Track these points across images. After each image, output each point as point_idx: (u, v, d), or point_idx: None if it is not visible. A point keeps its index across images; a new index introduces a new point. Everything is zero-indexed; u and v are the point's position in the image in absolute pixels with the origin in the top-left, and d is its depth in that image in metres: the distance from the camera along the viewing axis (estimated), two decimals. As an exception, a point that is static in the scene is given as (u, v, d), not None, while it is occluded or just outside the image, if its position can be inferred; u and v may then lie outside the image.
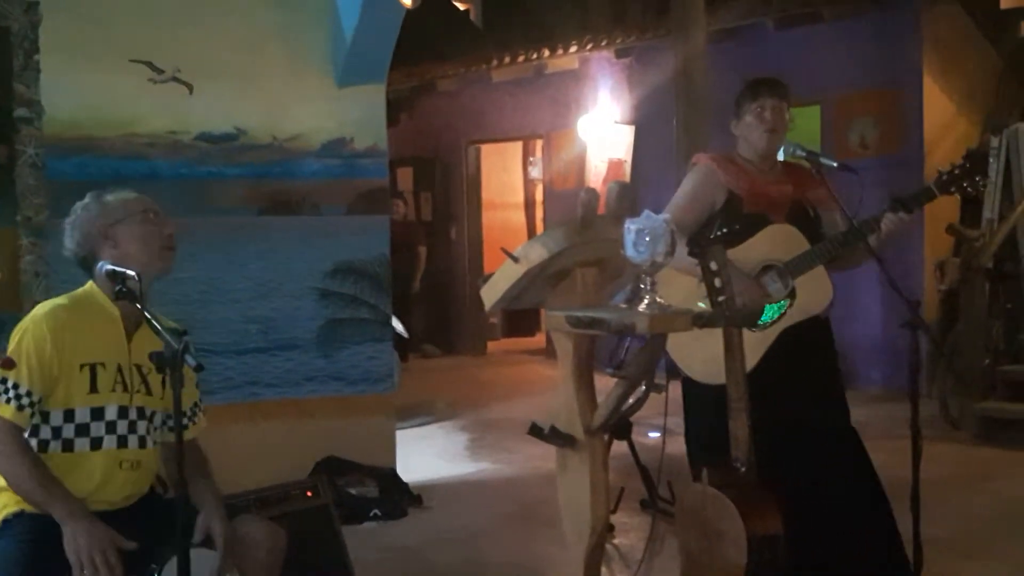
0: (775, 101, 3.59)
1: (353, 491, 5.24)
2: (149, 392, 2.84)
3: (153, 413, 2.87)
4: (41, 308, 2.78)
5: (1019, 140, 7.24)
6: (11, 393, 2.65)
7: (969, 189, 3.42)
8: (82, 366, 2.73)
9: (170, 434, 2.89)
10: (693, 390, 3.51)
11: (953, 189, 3.41)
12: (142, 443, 2.83)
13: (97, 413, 2.75)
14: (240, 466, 4.46)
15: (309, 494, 3.97)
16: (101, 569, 2.53)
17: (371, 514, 5.19)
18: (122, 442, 2.78)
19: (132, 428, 2.80)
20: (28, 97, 4.86)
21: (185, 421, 2.86)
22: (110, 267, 2.69)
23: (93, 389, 2.75)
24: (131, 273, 2.65)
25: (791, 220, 3.58)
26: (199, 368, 2.40)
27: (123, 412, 2.79)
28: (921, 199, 3.43)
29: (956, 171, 3.40)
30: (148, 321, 2.52)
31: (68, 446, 2.73)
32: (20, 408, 2.66)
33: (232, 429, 5.16)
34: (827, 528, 3.37)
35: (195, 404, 2.98)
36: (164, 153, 5.17)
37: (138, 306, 2.60)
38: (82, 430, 2.74)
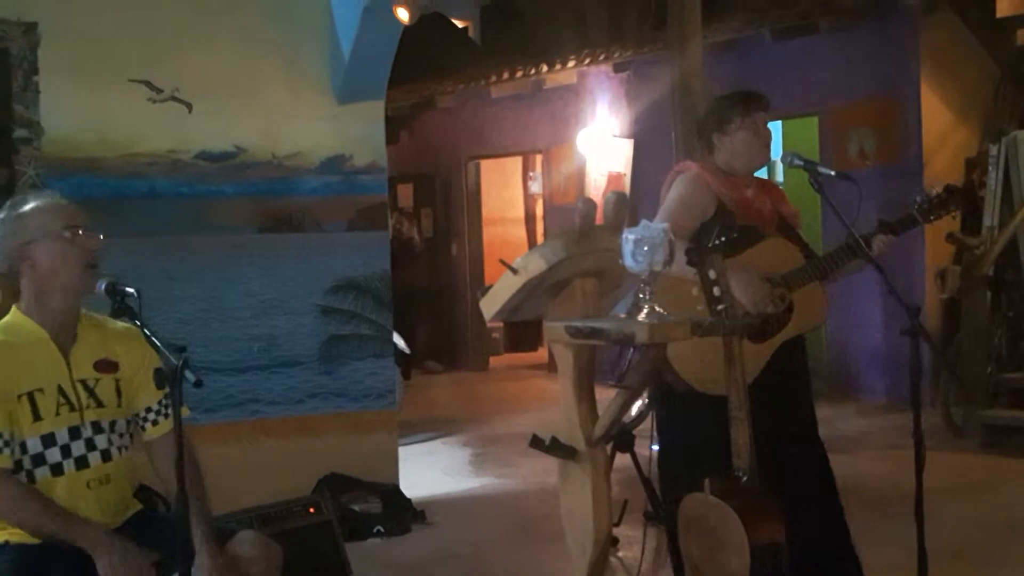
0: (765, 115, 3.61)
1: (356, 508, 5.23)
2: (100, 404, 2.76)
3: (113, 422, 2.78)
4: None
5: (1018, 148, 7.25)
6: None
7: (952, 218, 3.50)
8: (20, 396, 2.65)
9: (152, 430, 2.84)
10: (681, 401, 3.48)
11: (933, 217, 3.48)
12: (105, 456, 2.75)
13: (48, 440, 2.68)
14: (242, 484, 4.48)
15: (312, 511, 3.98)
16: None
17: (374, 530, 5.18)
18: (81, 463, 2.71)
19: (90, 445, 2.73)
20: (27, 118, 4.88)
21: (159, 416, 2.83)
22: (109, 283, 2.65)
23: (36, 417, 2.67)
24: (130, 290, 2.62)
25: (781, 234, 3.59)
26: (199, 384, 2.37)
27: (75, 432, 2.71)
28: (906, 224, 3.47)
29: (934, 200, 3.45)
30: (148, 337, 2.49)
31: (30, 477, 2.66)
32: None
33: (234, 447, 5.16)
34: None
35: (166, 395, 2.78)
36: (164, 172, 5.18)
37: (138, 323, 2.57)
38: (38, 460, 2.67)
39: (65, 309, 2.74)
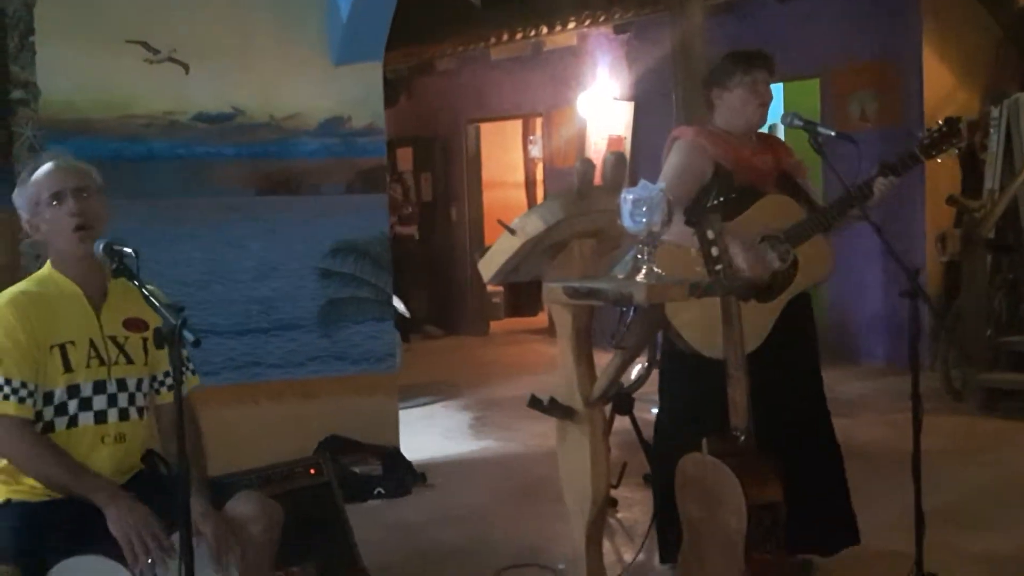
0: (766, 75, 3.60)
1: (356, 469, 5.25)
2: (130, 361, 2.80)
3: (140, 381, 2.83)
4: (2, 297, 2.74)
5: (1019, 110, 7.21)
6: (7, 389, 2.63)
7: (955, 151, 3.44)
8: (52, 347, 2.70)
9: (167, 394, 2.89)
10: (686, 363, 3.49)
11: (934, 153, 3.43)
12: (123, 415, 2.79)
13: (73, 391, 2.72)
14: (243, 446, 4.49)
15: (312, 472, 3.97)
16: (151, 544, 2.54)
17: (375, 492, 5.21)
18: (100, 417, 2.75)
19: (112, 402, 2.77)
20: (24, 79, 4.85)
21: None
22: (106, 243, 2.65)
23: (67, 368, 2.71)
24: (128, 250, 2.62)
25: (780, 190, 3.59)
26: (197, 343, 2.37)
27: (100, 387, 2.75)
28: (908, 162, 3.44)
29: (936, 134, 3.41)
30: (146, 298, 2.50)
31: (48, 428, 2.70)
32: (21, 401, 2.64)
33: (235, 410, 5.18)
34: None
35: (183, 359, 2.85)
36: (161, 134, 5.15)
37: (136, 283, 2.57)
38: (60, 410, 2.71)
39: (85, 269, 2.78)
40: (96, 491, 2.61)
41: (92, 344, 2.75)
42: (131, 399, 2.81)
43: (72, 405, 2.72)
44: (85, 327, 2.76)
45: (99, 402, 2.75)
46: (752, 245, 3.36)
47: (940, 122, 3.46)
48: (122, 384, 2.79)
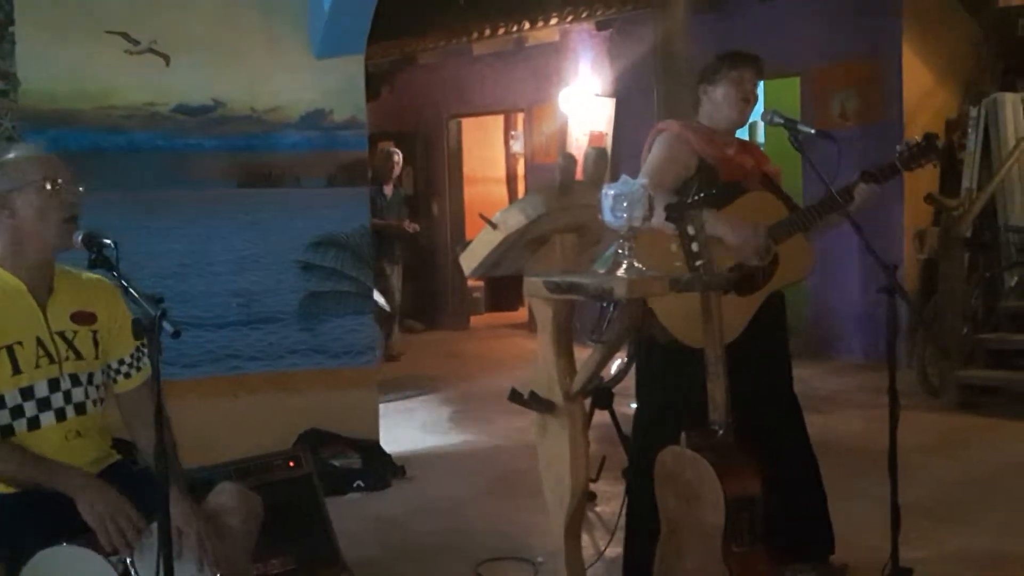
0: (752, 74, 3.62)
1: (336, 463, 5.25)
2: (80, 356, 2.76)
3: (91, 375, 2.79)
4: None
5: (998, 110, 7.28)
6: None
7: (934, 166, 3.52)
8: None
9: (125, 382, 2.85)
10: (663, 355, 3.50)
11: (914, 166, 3.49)
12: (80, 409, 2.76)
13: (27, 393, 2.68)
14: (222, 439, 4.48)
15: (292, 464, 3.97)
16: (126, 526, 2.53)
17: (354, 485, 5.21)
18: (60, 415, 2.72)
19: (68, 398, 2.74)
20: (3, 69, 4.82)
21: (131, 369, 2.84)
22: (85, 234, 2.63)
23: (16, 371, 2.66)
24: (107, 241, 2.60)
25: (764, 189, 3.61)
26: (176, 334, 2.36)
27: (54, 385, 2.71)
28: (887, 173, 3.49)
29: (915, 148, 3.47)
30: (125, 288, 2.48)
31: (7, 431, 2.66)
32: None
33: (214, 402, 5.17)
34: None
35: (138, 347, 2.86)
36: (142, 125, 5.13)
37: (115, 274, 2.56)
38: (16, 412, 2.67)
39: (41, 261, 2.73)
40: (65, 480, 2.60)
41: (40, 342, 2.70)
42: (86, 393, 2.77)
43: (29, 407, 2.68)
44: (31, 325, 2.69)
45: (56, 400, 2.71)
46: (742, 223, 3.38)
47: (919, 137, 3.52)
48: (75, 379, 2.75)
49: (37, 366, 2.69)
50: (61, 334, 2.74)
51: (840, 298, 8.32)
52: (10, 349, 2.66)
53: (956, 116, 7.87)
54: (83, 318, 2.78)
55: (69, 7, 4.97)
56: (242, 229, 5.35)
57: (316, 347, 5.51)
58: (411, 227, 9.16)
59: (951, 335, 6.83)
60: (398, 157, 9.19)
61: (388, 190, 9.06)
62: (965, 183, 7.19)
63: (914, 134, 7.48)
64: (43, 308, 2.73)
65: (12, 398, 2.67)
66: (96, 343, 2.80)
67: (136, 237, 4.89)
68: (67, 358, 2.74)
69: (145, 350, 2.78)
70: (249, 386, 5.35)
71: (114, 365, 2.86)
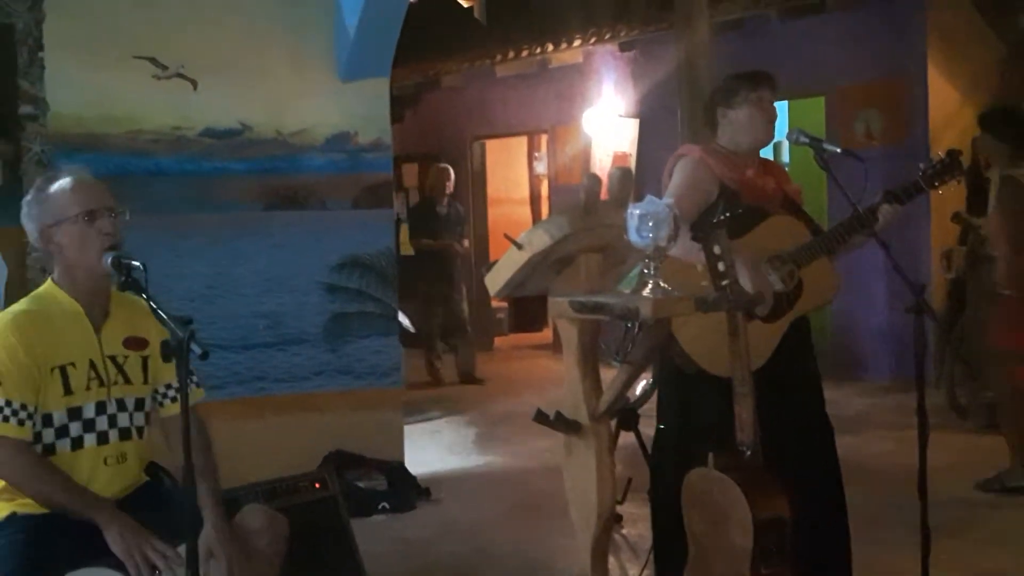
0: (770, 93, 3.61)
1: (361, 484, 5.25)
2: (128, 381, 2.81)
3: (139, 401, 2.83)
4: (2, 318, 2.73)
5: (1024, 128, 7.21)
6: (7, 411, 2.63)
7: (958, 183, 3.48)
8: (52, 369, 2.69)
9: (171, 406, 2.88)
10: (687, 383, 3.47)
11: (938, 184, 3.45)
12: (124, 435, 2.80)
13: (74, 413, 2.72)
14: (248, 460, 4.49)
15: (317, 486, 3.98)
16: (154, 557, 2.54)
17: (379, 507, 5.21)
18: (103, 438, 2.76)
19: (112, 422, 2.78)
20: (33, 94, 4.88)
21: (178, 394, 2.84)
22: (115, 256, 2.67)
23: (67, 391, 2.71)
24: (136, 264, 2.63)
25: (787, 212, 3.59)
26: (205, 355, 2.39)
27: (101, 407, 2.76)
28: (911, 191, 3.46)
29: (939, 166, 3.44)
30: (154, 310, 2.51)
31: (49, 450, 2.70)
32: (20, 423, 2.64)
33: (240, 424, 5.18)
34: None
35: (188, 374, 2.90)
36: (169, 149, 5.18)
37: (144, 296, 2.58)
38: (61, 432, 2.71)
39: (94, 287, 2.79)
40: (95, 511, 2.62)
41: (92, 365, 2.75)
42: (131, 419, 2.82)
43: (75, 427, 2.72)
44: (86, 348, 2.75)
45: (100, 423, 2.76)
46: (757, 265, 3.35)
47: (942, 154, 3.49)
48: (122, 404, 2.80)
49: (88, 388, 2.74)
50: (112, 358, 2.79)
51: (866, 318, 8.26)
52: (63, 369, 2.71)
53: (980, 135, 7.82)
54: (135, 344, 2.84)
55: (98, 33, 5.03)
56: (268, 251, 5.39)
57: (341, 368, 5.53)
58: (460, 248, 9.05)
59: (979, 355, 6.77)
60: (451, 174, 9.10)
61: (442, 209, 8.96)
62: (992, 202, 7.12)
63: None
64: (98, 331, 2.79)
65: (60, 418, 2.71)
66: (145, 369, 2.85)
67: (163, 260, 4.93)
68: (116, 382, 2.79)
69: (194, 377, 2.86)
70: (275, 407, 5.37)
71: (161, 389, 2.91)
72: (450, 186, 9.06)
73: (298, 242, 5.43)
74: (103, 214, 2.73)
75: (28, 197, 2.81)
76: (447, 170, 9.10)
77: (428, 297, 8.94)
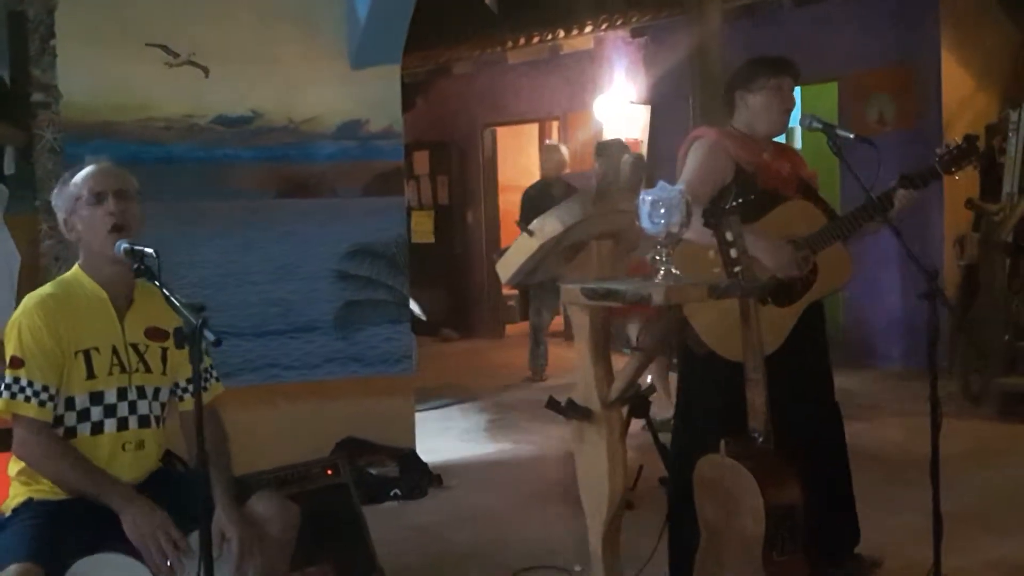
0: (791, 81, 3.60)
1: (373, 471, 5.26)
2: (148, 370, 2.83)
3: (157, 390, 2.86)
4: (29, 299, 2.76)
5: (1039, 114, 7.18)
6: (29, 391, 2.66)
7: (974, 168, 3.46)
8: (76, 353, 2.72)
9: (190, 401, 2.89)
10: (701, 366, 3.47)
11: (954, 169, 3.44)
12: (143, 422, 2.82)
13: (96, 398, 2.75)
14: (260, 447, 4.49)
15: (329, 473, 3.99)
16: (167, 546, 2.56)
17: (391, 494, 5.21)
18: (122, 424, 2.78)
19: (132, 409, 2.80)
20: (45, 82, 4.89)
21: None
22: (127, 245, 2.68)
23: (90, 375, 2.74)
24: (149, 251, 2.64)
25: (803, 197, 3.58)
26: (218, 343, 2.40)
27: (122, 394, 2.79)
28: (927, 177, 3.45)
29: (955, 151, 3.42)
30: (167, 297, 2.52)
31: (70, 433, 2.73)
32: (42, 404, 2.67)
33: (252, 411, 5.17)
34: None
35: (207, 369, 2.93)
36: (180, 137, 5.18)
37: (157, 283, 2.59)
38: (83, 416, 2.74)
39: (115, 274, 2.80)
40: (112, 495, 2.64)
41: (115, 351, 2.78)
42: (150, 407, 2.84)
43: (96, 412, 2.75)
44: (109, 334, 2.78)
45: (121, 409, 2.78)
46: (780, 245, 3.35)
47: (958, 139, 3.47)
48: (142, 392, 2.82)
49: (110, 373, 2.77)
50: (135, 346, 2.82)
51: (878, 305, 8.24)
52: (87, 353, 2.74)
53: (996, 120, 7.77)
54: (156, 334, 2.86)
55: (110, 20, 5.03)
56: (279, 239, 5.39)
57: (353, 356, 5.53)
58: None
59: (992, 342, 6.75)
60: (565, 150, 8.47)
61: (558, 190, 8.03)
62: (1006, 188, 7.09)
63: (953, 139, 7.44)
64: (121, 319, 2.81)
65: (82, 401, 2.74)
66: (165, 360, 2.87)
67: (175, 248, 4.93)
68: (137, 370, 2.81)
69: (213, 371, 2.93)
70: (287, 394, 5.38)
71: (182, 384, 2.92)
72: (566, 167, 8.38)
73: (309, 230, 5.43)
74: (107, 196, 2.76)
75: (55, 189, 2.86)
76: (559, 147, 8.60)
77: None
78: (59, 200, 2.83)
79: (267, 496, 2.90)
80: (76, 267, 2.84)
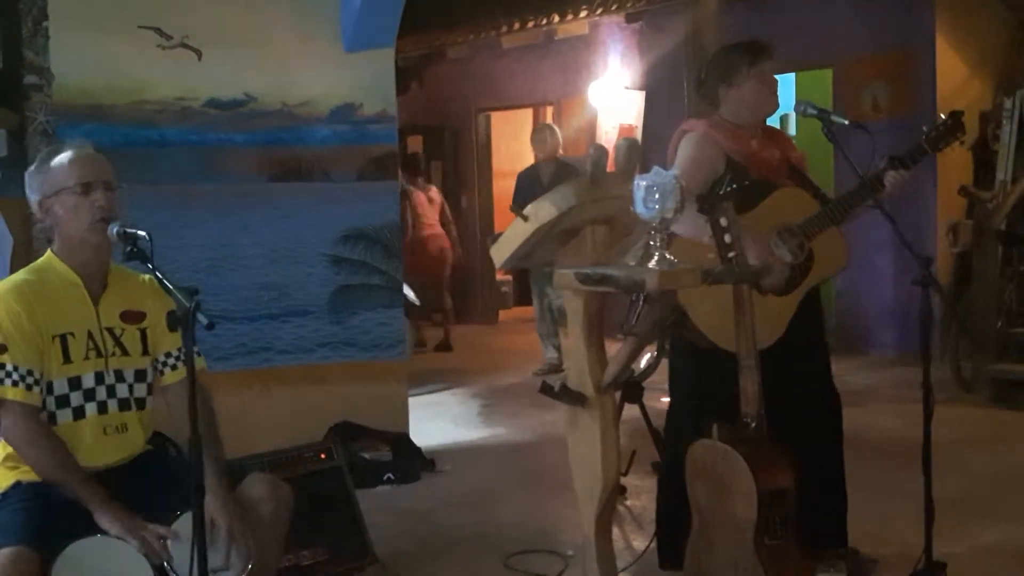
0: (772, 64, 3.58)
1: (366, 455, 5.27)
2: (126, 353, 2.83)
3: (136, 372, 2.85)
4: (4, 284, 2.77)
5: (1033, 101, 7.18)
6: (16, 376, 2.66)
7: (960, 143, 3.46)
8: (53, 337, 2.73)
9: (171, 375, 2.90)
10: (698, 354, 3.47)
11: (942, 145, 3.44)
12: (124, 405, 2.82)
13: (74, 383, 2.75)
14: (254, 432, 4.50)
15: (323, 456, 4.00)
16: (150, 538, 2.56)
17: (384, 478, 5.22)
18: (102, 408, 2.78)
19: (111, 392, 2.80)
20: (37, 64, 4.87)
21: (177, 362, 2.89)
22: (120, 228, 2.68)
23: (66, 360, 2.74)
24: (142, 234, 2.63)
25: (794, 183, 3.58)
26: (211, 326, 2.39)
27: (99, 378, 2.78)
28: (915, 155, 3.44)
29: (941, 128, 3.42)
30: (160, 280, 2.51)
31: (51, 419, 2.73)
32: (28, 388, 2.68)
33: (246, 395, 5.20)
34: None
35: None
36: (173, 120, 5.16)
37: (150, 266, 2.58)
38: (62, 401, 2.74)
39: (90, 258, 2.81)
40: (87, 497, 2.63)
41: (90, 336, 2.78)
42: (130, 390, 2.84)
43: (75, 397, 2.75)
44: (84, 318, 2.78)
45: (100, 393, 2.78)
46: (763, 240, 3.34)
47: (944, 116, 3.47)
48: (120, 375, 2.82)
49: (86, 358, 2.76)
50: (110, 330, 2.81)
51: (871, 292, 8.25)
52: (63, 338, 2.74)
53: (991, 108, 7.78)
54: (132, 317, 2.86)
55: (103, 3, 5.01)
56: (273, 223, 5.38)
57: (346, 340, 5.53)
58: None
59: (984, 329, 6.77)
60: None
61: (552, 170, 7.93)
62: (999, 175, 7.10)
63: (947, 126, 7.42)
64: (95, 303, 2.81)
65: (60, 386, 2.74)
66: (144, 340, 2.86)
67: (168, 231, 4.92)
68: (113, 354, 2.81)
69: (196, 347, 2.83)
70: (280, 379, 5.38)
71: (161, 358, 2.92)
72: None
73: (303, 214, 5.42)
74: (98, 187, 2.76)
75: (31, 169, 2.84)
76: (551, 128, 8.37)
77: None
78: (36, 182, 2.81)
79: (259, 477, 2.91)
80: (49, 252, 2.83)
